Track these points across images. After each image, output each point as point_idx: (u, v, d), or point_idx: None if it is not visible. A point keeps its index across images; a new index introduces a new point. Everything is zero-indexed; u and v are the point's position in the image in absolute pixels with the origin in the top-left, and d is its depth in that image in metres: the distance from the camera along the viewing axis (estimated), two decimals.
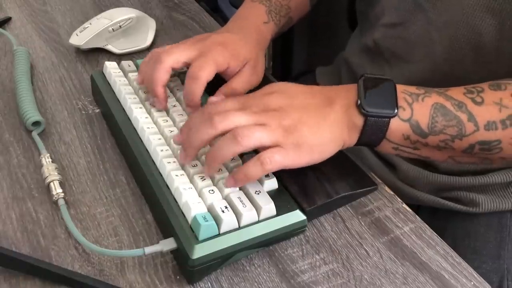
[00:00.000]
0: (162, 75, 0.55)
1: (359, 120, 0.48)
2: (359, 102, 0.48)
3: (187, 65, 0.57)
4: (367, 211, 0.52)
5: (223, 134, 0.47)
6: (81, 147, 0.59)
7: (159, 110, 0.57)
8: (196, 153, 0.49)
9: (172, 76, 0.63)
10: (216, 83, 0.59)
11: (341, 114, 0.49)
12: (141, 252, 0.45)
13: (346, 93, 0.50)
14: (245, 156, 0.51)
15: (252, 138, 0.45)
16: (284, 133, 0.47)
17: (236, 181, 0.47)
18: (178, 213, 0.46)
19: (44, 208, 0.52)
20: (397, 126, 0.48)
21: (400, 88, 0.49)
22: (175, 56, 0.56)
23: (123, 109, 0.59)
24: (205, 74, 0.55)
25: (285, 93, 0.50)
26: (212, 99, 0.55)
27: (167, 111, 0.58)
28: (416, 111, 0.48)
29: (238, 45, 0.60)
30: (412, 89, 0.50)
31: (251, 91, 0.60)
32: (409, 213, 0.52)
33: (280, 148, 0.46)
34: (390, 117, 0.48)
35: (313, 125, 0.48)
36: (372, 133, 0.48)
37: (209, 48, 0.57)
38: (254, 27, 0.65)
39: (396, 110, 0.48)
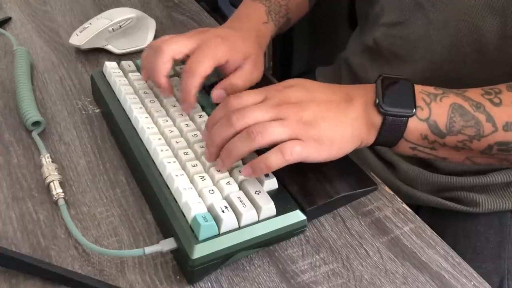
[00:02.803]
0: (164, 64, 0.55)
1: (377, 119, 0.48)
2: (377, 101, 0.48)
3: (187, 57, 0.56)
4: (367, 211, 0.52)
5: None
6: (81, 147, 0.59)
7: (159, 110, 0.57)
8: (218, 151, 0.48)
9: (172, 76, 0.63)
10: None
11: (361, 112, 0.49)
12: (141, 252, 0.45)
13: (364, 92, 0.50)
14: (247, 157, 0.51)
15: (267, 136, 0.45)
16: (304, 127, 0.46)
17: (254, 170, 0.47)
18: (178, 213, 0.46)
19: (44, 208, 0.52)
20: (415, 126, 0.48)
21: (417, 88, 0.50)
22: (175, 46, 0.55)
23: (123, 109, 0.59)
24: (202, 69, 0.54)
25: (306, 87, 0.50)
26: (214, 92, 0.55)
27: (167, 111, 0.57)
28: (434, 111, 0.48)
29: (238, 40, 0.59)
30: (430, 89, 0.50)
31: (251, 88, 0.60)
32: (409, 213, 0.52)
33: (300, 141, 0.46)
34: (408, 117, 0.48)
35: (333, 120, 0.48)
36: (390, 133, 0.49)
37: (209, 40, 0.56)
38: (254, 27, 0.64)
39: (414, 110, 0.48)
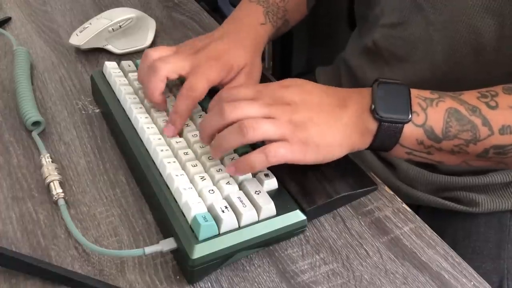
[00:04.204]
0: (158, 84, 0.56)
1: (372, 125, 0.48)
2: (373, 107, 0.48)
3: (181, 77, 0.57)
4: (367, 211, 0.52)
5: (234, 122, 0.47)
6: (81, 147, 0.59)
7: (159, 111, 0.57)
8: (209, 140, 0.49)
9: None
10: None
11: (354, 118, 0.49)
12: (141, 252, 0.45)
13: (360, 97, 0.50)
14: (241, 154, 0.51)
15: (258, 131, 0.46)
16: (293, 128, 0.47)
17: (237, 169, 0.47)
18: (178, 213, 0.46)
19: (44, 208, 0.52)
20: (411, 132, 0.48)
21: (414, 93, 0.49)
22: (170, 66, 0.56)
23: (123, 109, 0.59)
24: (197, 94, 0.55)
25: (301, 88, 0.50)
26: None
27: (167, 111, 0.58)
28: (430, 116, 0.48)
29: (232, 56, 0.59)
30: (426, 93, 0.50)
31: None
32: (409, 213, 0.52)
33: (286, 143, 0.46)
34: (404, 123, 0.47)
35: (323, 124, 0.48)
36: (385, 138, 0.48)
37: (202, 63, 0.57)
38: (251, 29, 0.64)
39: (410, 116, 0.47)
